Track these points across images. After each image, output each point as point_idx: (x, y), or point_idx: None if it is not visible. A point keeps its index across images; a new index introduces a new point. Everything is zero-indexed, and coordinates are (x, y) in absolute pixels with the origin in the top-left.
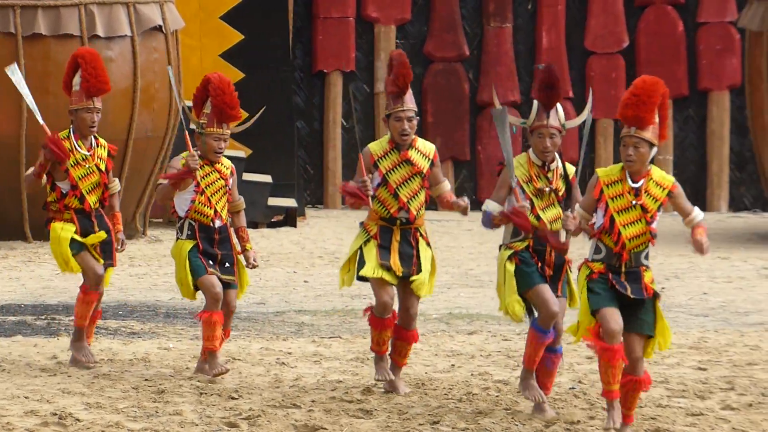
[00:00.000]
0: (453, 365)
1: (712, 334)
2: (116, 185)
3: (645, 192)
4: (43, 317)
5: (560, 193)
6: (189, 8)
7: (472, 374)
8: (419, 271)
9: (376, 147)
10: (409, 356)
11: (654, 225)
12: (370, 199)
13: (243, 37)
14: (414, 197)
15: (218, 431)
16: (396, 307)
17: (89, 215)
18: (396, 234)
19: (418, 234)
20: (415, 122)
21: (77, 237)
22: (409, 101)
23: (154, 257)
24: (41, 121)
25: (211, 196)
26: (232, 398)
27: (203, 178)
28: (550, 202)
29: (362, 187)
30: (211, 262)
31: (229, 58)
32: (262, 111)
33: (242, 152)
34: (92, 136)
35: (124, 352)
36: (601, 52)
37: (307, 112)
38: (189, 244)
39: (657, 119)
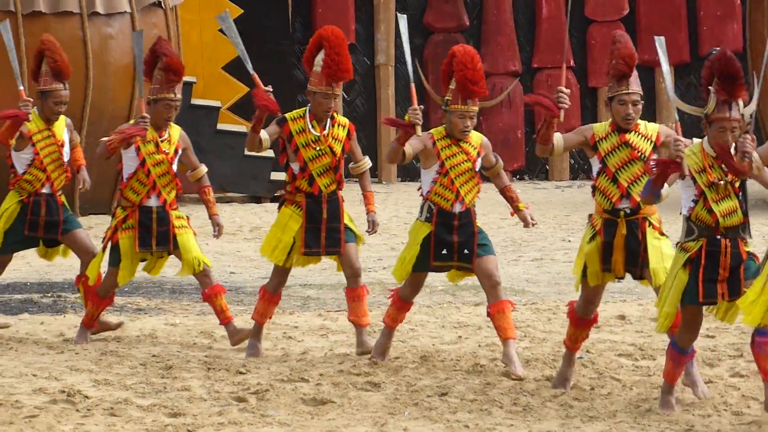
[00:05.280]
0: (460, 337)
1: None
2: (364, 163)
3: None
4: (49, 295)
5: (736, 184)
6: None
7: (479, 345)
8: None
9: (599, 128)
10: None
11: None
12: (418, 128)
13: (242, 11)
14: (635, 182)
15: (227, 406)
16: None
17: (319, 200)
18: (621, 227)
19: (646, 224)
20: (640, 106)
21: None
22: (635, 84)
23: None
24: (251, 71)
25: (455, 178)
26: (240, 373)
27: (448, 158)
28: (725, 194)
29: (412, 114)
30: (444, 251)
31: None
32: (513, 85)
33: None
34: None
35: (131, 328)
36: (601, 20)
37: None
38: (426, 230)
39: None
